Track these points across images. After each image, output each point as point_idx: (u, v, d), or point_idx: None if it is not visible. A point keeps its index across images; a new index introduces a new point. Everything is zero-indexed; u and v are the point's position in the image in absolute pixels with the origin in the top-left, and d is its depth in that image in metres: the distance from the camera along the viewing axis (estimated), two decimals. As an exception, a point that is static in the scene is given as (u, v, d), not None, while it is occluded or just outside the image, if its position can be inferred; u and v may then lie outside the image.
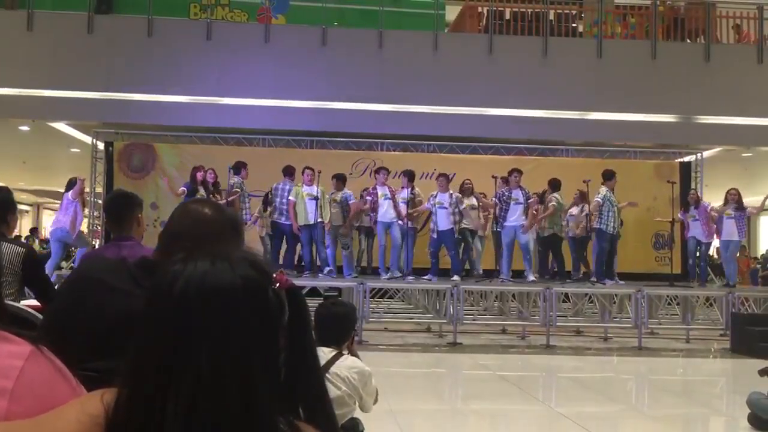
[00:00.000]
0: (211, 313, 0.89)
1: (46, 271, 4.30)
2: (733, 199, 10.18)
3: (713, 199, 11.82)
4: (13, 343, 0.91)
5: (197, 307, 0.89)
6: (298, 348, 0.98)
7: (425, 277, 9.81)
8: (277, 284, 0.96)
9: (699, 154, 12.73)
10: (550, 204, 10.14)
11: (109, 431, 0.88)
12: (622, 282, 10.04)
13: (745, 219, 10.36)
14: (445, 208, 9.73)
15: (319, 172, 9.78)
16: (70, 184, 9.32)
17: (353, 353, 2.82)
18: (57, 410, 0.88)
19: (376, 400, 2.81)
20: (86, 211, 10.88)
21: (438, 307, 9.96)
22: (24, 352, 0.90)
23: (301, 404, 1.00)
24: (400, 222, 9.87)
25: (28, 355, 0.90)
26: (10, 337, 0.91)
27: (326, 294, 9.15)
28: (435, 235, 9.84)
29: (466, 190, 10.27)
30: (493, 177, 10.26)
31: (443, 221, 9.71)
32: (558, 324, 9.37)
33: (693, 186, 12.42)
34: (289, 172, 10.09)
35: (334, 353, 2.68)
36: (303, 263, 10.07)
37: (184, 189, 9.75)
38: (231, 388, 0.87)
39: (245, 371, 0.88)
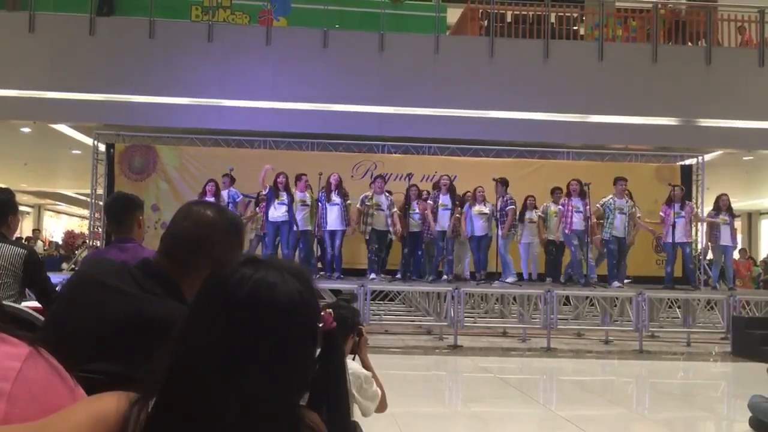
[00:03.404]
0: (271, 323, 0.92)
1: None
2: (725, 205, 10.26)
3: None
4: (10, 344, 0.91)
5: (260, 315, 0.91)
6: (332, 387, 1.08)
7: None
8: (321, 324, 1.00)
9: (700, 157, 12.71)
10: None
11: None
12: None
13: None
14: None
15: (320, 175, 9.94)
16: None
17: (363, 357, 2.79)
18: (61, 412, 0.88)
19: (384, 406, 2.78)
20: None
21: (438, 310, 9.95)
22: (22, 353, 0.90)
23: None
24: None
25: (26, 357, 0.90)
26: (8, 339, 0.91)
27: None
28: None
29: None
30: (493, 179, 10.28)
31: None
32: (559, 327, 9.38)
33: (694, 189, 12.41)
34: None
35: None
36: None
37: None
38: (271, 394, 0.90)
39: (286, 382, 0.92)
